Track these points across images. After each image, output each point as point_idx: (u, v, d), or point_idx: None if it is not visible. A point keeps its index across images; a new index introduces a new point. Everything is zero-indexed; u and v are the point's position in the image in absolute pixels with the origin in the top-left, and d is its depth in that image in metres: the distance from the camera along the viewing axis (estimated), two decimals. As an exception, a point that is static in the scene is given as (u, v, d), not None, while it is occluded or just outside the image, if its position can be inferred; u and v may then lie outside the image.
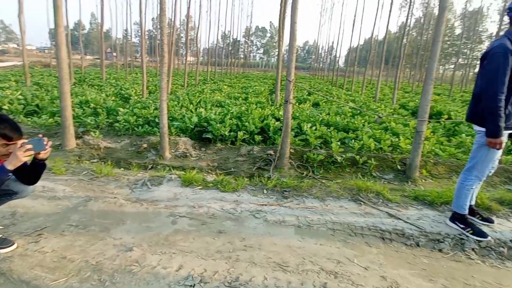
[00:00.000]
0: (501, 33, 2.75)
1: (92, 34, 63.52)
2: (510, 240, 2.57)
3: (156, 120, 5.90)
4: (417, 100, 11.41)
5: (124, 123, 5.62)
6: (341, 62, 39.60)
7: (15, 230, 2.37)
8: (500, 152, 2.57)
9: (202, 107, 7.39)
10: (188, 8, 13.80)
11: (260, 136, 5.30)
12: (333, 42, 40.02)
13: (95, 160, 4.46)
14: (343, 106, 8.36)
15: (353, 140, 5.02)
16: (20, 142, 1.86)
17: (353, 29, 18.57)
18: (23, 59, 12.26)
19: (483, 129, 2.47)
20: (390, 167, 4.36)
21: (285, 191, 3.32)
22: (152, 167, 4.34)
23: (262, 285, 1.92)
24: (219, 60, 29.69)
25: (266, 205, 2.99)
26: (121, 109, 6.41)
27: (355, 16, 18.40)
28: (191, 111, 6.90)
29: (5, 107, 6.74)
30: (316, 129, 5.50)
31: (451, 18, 33.98)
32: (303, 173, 4.14)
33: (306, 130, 5.33)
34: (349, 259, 2.24)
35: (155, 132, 5.35)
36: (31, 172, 2.06)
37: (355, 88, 17.96)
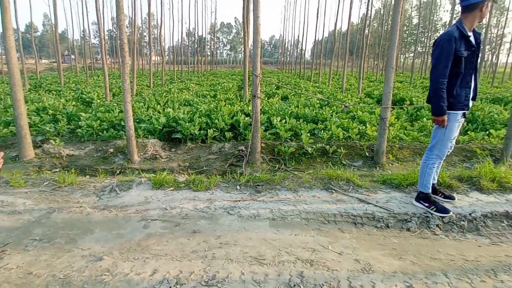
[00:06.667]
0: (454, 21, 2.97)
1: (47, 36, 59.51)
2: (469, 214, 2.75)
3: (122, 123, 5.68)
4: (381, 89, 11.82)
5: (87, 129, 5.35)
6: (307, 55, 40.37)
7: (-30, 250, 2.19)
8: (456, 131, 2.74)
9: (170, 107, 7.22)
10: (149, 5, 13.34)
11: (230, 133, 5.27)
12: (298, 36, 40.49)
13: (57, 170, 4.22)
14: (311, 98, 8.51)
15: (322, 131, 5.12)
16: None
17: (317, 22, 18.79)
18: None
19: None
20: (359, 154, 4.51)
21: (258, 185, 3.33)
22: (120, 172, 4.18)
23: (239, 281, 1.91)
24: (185, 59, 29.08)
25: (240, 201, 2.98)
26: (83, 114, 6.10)
27: (318, 9, 18.66)
28: (159, 112, 6.72)
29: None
30: (286, 122, 5.56)
31: (408, 8, 35.59)
32: (275, 166, 4.17)
33: (276, 124, 5.37)
34: (323, 246, 2.29)
35: (121, 136, 5.15)
36: None
37: (322, 79, 18.32)
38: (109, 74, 21.40)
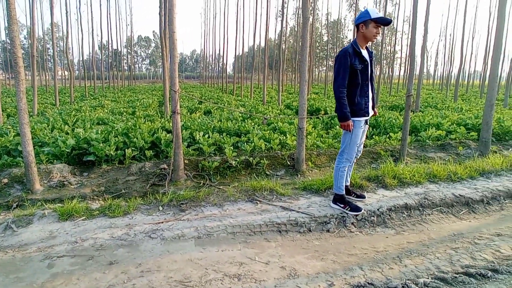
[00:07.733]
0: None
1: None
2: (377, 209, 3.08)
3: (19, 148, 4.90)
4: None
5: (-29, 157, 4.46)
6: (229, 69, 41.24)
7: None
8: (360, 136, 3.07)
9: (81, 127, 6.52)
10: (52, 14, 12.03)
11: (151, 151, 4.98)
12: (220, 50, 41.19)
13: None
14: (233, 111, 8.65)
15: (245, 143, 5.22)
16: None
17: (236, 36, 19.62)
18: None
19: None
20: (281, 163, 4.70)
21: (182, 203, 3.19)
22: (18, 206, 3.57)
23: (163, 310, 1.78)
24: (99, 73, 26.75)
25: (162, 222, 2.81)
26: (-35, 140, 5.08)
27: (236, 24, 19.37)
28: (67, 133, 6.01)
29: None
30: (209, 137, 5.51)
31: (318, 27, 39.45)
32: (200, 183, 4.07)
33: (199, 139, 5.28)
34: (250, 258, 2.29)
35: (18, 163, 4.43)
36: None
37: (244, 93, 18.85)
38: (2, 91, 18.44)
